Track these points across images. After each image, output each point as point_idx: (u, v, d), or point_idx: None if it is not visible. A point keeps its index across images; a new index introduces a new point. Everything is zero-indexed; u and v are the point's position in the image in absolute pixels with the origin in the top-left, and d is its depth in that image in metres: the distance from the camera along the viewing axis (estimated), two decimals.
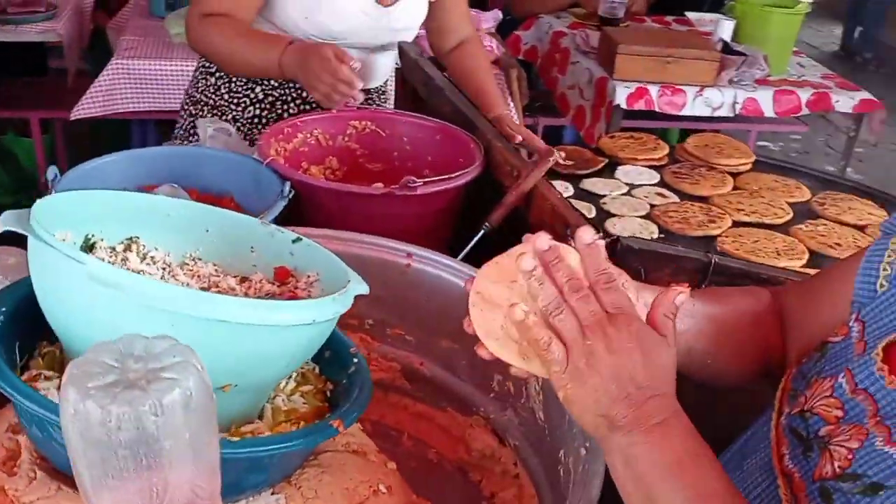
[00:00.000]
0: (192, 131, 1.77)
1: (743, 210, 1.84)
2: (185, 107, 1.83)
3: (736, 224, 1.79)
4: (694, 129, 3.06)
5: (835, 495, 0.77)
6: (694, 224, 1.77)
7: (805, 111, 2.74)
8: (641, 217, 1.81)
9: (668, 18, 3.38)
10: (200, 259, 1.01)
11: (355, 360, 0.94)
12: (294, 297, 0.98)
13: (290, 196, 1.25)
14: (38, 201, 0.83)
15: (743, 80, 2.74)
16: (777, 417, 0.87)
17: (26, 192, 3.19)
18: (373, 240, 1.15)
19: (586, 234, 0.78)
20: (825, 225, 1.80)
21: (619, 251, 1.13)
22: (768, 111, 2.72)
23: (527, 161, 1.34)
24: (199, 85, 1.77)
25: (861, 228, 1.82)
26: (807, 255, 1.68)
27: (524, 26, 3.35)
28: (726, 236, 1.74)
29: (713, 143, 2.12)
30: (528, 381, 1.02)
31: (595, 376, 0.73)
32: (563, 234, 1.15)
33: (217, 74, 1.73)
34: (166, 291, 0.75)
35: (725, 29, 2.86)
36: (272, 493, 0.85)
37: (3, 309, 0.84)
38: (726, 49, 2.78)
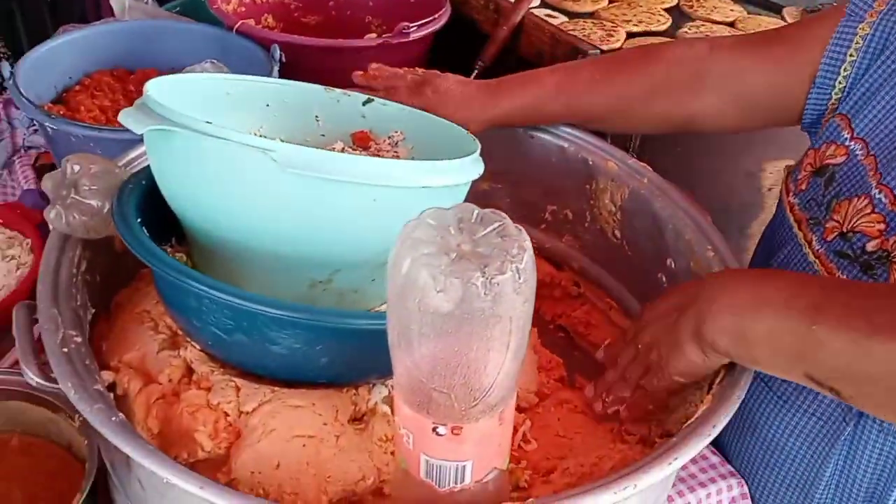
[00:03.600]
0: None
1: (630, 21, 1.94)
2: None
3: (629, 35, 1.90)
4: None
5: None
6: (596, 40, 1.84)
7: None
8: None
9: None
10: (265, 137, 0.95)
11: None
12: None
13: (282, 60, 1.17)
14: (152, 94, 0.74)
15: None
16: (808, 247, 0.92)
17: None
18: None
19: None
20: (704, 25, 1.95)
21: None
22: None
23: None
24: None
25: (731, 24, 1.98)
26: None
27: None
28: (627, 48, 1.84)
29: None
30: (599, 202, 1.07)
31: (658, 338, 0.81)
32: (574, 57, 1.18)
33: None
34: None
35: None
36: None
37: (139, 220, 0.76)
38: None
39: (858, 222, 0.87)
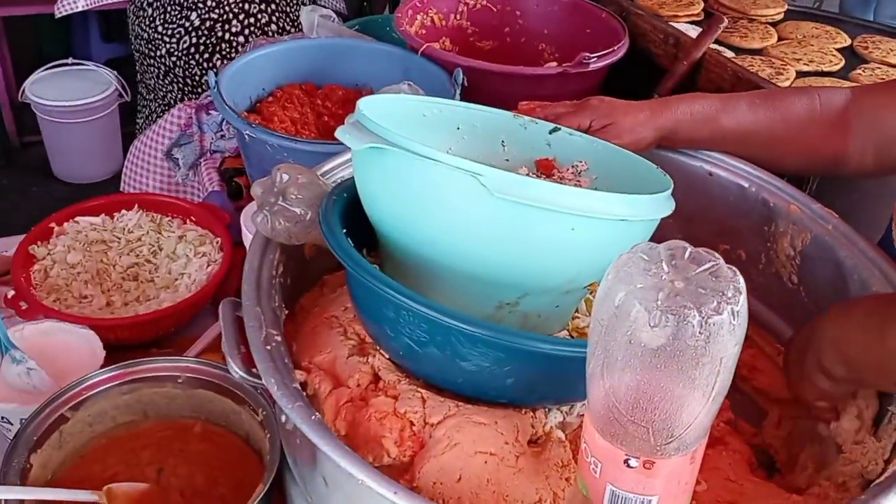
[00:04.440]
0: (144, 72, 1.84)
1: (801, 60, 1.89)
2: (132, 42, 1.87)
3: (799, 74, 1.85)
4: None
5: None
6: (765, 77, 1.81)
7: None
8: None
9: None
10: None
11: None
12: None
13: (464, 84, 1.20)
14: (366, 113, 0.78)
15: None
16: None
17: None
18: None
19: None
20: (880, 68, 1.88)
21: None
22: None
23: (675, 27, 1.33)
24: (138, 16, 1.78)
25: None
26: None
27: None
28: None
29: None
30: (777, 245, 1.05)
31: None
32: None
33: (154, 5, 1.71)
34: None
35: None
36: None
37: (345, 230, 0.80)
38: None
39: None
